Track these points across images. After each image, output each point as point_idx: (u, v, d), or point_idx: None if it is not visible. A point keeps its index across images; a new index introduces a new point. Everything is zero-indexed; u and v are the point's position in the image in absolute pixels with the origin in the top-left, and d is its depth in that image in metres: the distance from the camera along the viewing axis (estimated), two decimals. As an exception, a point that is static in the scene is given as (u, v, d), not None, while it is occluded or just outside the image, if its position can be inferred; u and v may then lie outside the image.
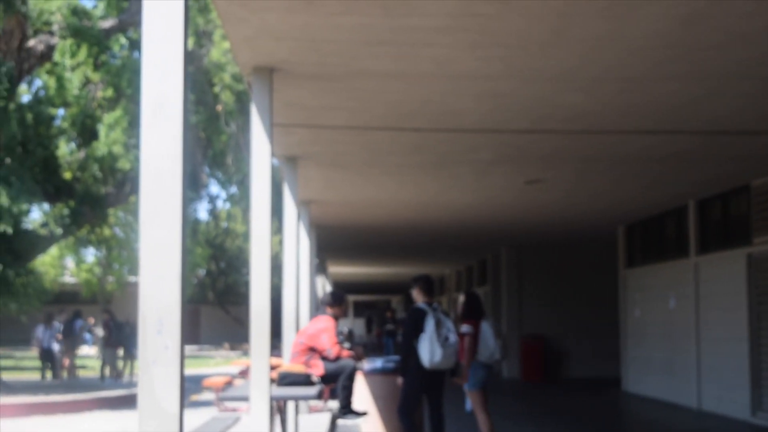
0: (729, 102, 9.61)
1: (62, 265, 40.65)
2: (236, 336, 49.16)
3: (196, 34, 21.04)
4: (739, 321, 15.05)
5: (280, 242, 28.25)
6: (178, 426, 3.87)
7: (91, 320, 27.49)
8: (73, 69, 19.03)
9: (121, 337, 24.83)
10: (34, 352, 28.30)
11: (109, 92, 19.16)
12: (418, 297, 10.19)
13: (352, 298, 66.90)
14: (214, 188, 59.08)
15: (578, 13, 6.82)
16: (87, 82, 19.47)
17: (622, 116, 10.23)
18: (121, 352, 25.50)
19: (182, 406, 3.92)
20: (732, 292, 15.36)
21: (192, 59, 21.84)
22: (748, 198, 14.92)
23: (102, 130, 18.88)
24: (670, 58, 7.97)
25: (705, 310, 16.58)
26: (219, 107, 22.00)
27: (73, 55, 18.66)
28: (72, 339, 24.97)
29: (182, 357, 3.92)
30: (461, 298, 10.82)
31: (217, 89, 21.63)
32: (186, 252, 3.95)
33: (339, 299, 10.59)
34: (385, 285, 53.01)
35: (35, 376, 25.45)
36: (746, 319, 14.84)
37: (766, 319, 14.42)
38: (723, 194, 15.90)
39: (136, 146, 18.45)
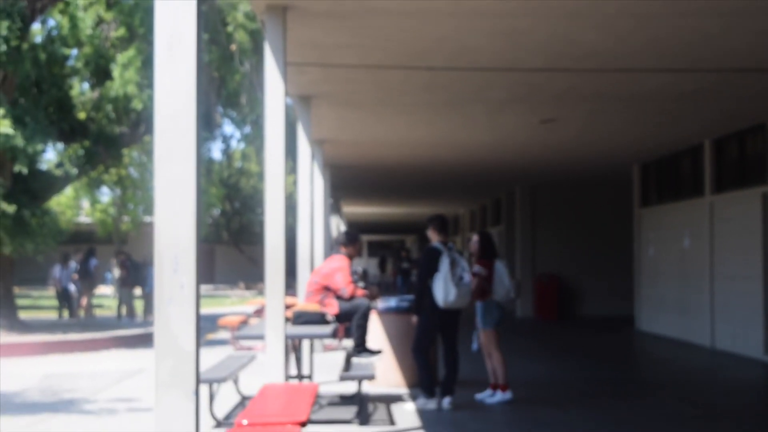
0: (745, 39, 9.50)
1: (77, 205, 40.81)
2: (251, 275, 49.44)
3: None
4: (754, 260, 15.04)
5: (294, 182, 28.27)
6: (195, 363, 3.91)
7: (113, 260, 27.51)
8: (86, 9, 18.93)
9: (138, 277, 25.01)
10: (51, 291, 28.54)
11: (122, 31, 19.06)
12: (433, 236, 10.20)
13: (366, 238, 67.10)
14: (228, 128, 59.03)
15: (595, -52, 6.73)
16: (100, 21, 19.37)
17: (637, 54, 10.14)
18: (138, 291, 25.69)
19: (198, 344, 3.96)
20: (747, 231, 15.34)
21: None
22: (764, 137, 14.82)
23: (116, 70, 18.83)
24: (689, -6, 7.88)
25: (719, 248, 16.57)
26: (233, 47, 21.88)
27: (86, -7, 18.56)
28: (88, 278, 25.15)
29: (198, 295, 3.95)
30: (474, 237, 10.83)
31: (230, 28, 21.50)
32: (201, 190, 3.96)
33: (353, 239, 10.62)
34: (399, 225, 53.11)
35: (52, 315, 25.71)
36: (761, 258, 14.83)
37: (780, 258, 14.41)
38: (739, 133, 15.79)
39: (150, 86, 18.41)
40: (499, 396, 10.47)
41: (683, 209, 18.41)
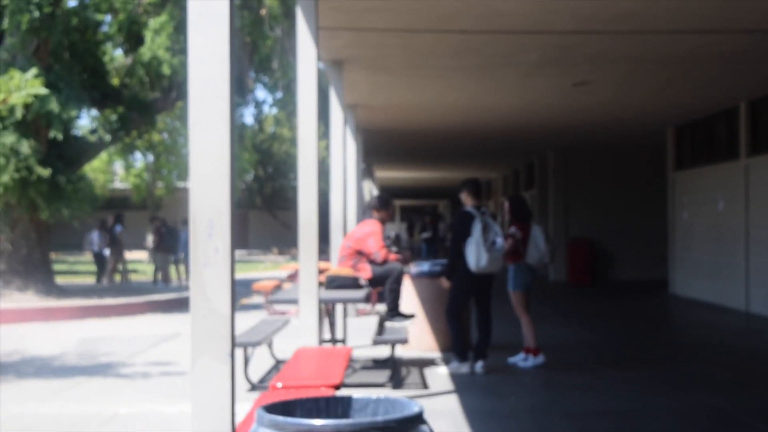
0: (784, -1, 9.37)
1: (111, 170, 41.12)
2: (284, 241, 49.68)
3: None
4: (790, 223, 14.92)
5: (327, 147, 28.28)
6: (230, 327, 3.95)
7: (156, 222, 27.55)
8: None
9: (172, 242, 25.19)
10: (87, 256, 28.82)
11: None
12: (467, 201, 10.19)
13: (399, 202, 67.09)
14: (260, 93, 59.12)
15: None
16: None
17: (670, 15, 10.03)
18: (172, 257, 25.89)
19: (233, 308, 4.00)
20: (782, 194, 15.20)
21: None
22: (801, 98, 14.65)
23: (147, 35, 18.87)
24: (724, -46, 7.77)
25: (754, 212, 16.44)
26: (263, 11, 21.85)
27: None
28: (115, 244, 25.39)
29: (233, 259, 3.98)
30: (506, 203, 10.81)
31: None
32: (234, 154, 3.98)
33: (385, 203, 10.64)
34: (432, 190, 53.05)
35: (88, 280, 26.00)
36: (796, 222, 14.71)
37: (816, 221, 14.28)
38: (775, 95, 15.62)
39: (182, 51, 18.44)
40: (531, 360, 10.49)
41: (718, 172, 18.26)
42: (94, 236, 25.17)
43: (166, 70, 18.67)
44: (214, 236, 3.91)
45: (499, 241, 9.78)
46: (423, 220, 31.84)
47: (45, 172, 16.61)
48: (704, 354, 11.82)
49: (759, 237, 16.27)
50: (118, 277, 25.48)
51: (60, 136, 16.95)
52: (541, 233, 10.43)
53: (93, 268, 26.24)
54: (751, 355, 11.90)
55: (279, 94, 26.54)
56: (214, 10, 4.00)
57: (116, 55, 21.87)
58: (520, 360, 10.58)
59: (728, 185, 17.60)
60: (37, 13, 16.02)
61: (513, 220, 10.53)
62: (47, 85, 16.15)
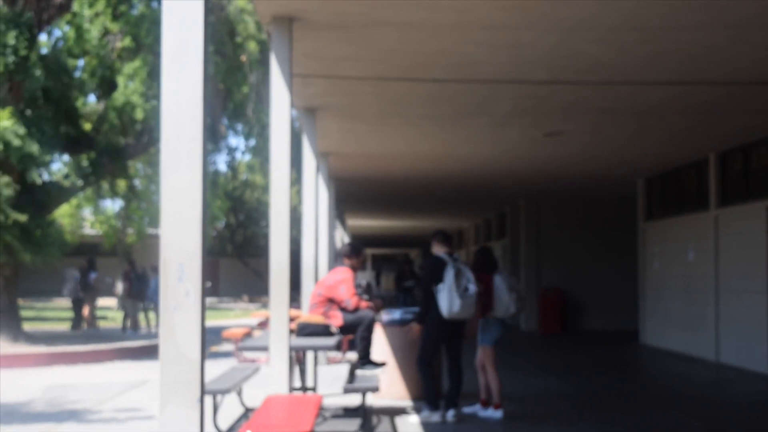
0: (751, 52, 9.51)
1: (80, 216, 40.90)
2: (255, 288, 49.47)
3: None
4: (759, 274, 15.00)
5: (299, 194, 28.22)
6: (199, 372, 3.91)
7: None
8: (92, 20, 18.98)
9: (141, 287, 25.00)
10: (56, 302, 28.56)
11: (128, 41, 19.11)
12: (437, 250, 10.18)
13: (370, 251, 67.03)
14: (234, 140, 59.34)
15: (599, -40, 6.74)
16: (106, 32, 19.43)
17: (641, 67, 10.15)
18: (141, 304, 25.70)
19: (203, 353, 3.96)
20: (752, 245, 15.31)
21: (212, 10, 21.74)
22: (769, 150, 14.82)
23: (121, 80, 18.87)
24: (691, 6, 7.88)
25: (724, 262, 16.54)
26: (243, 57, 21.92)
27: (91, 5, 18.60)
28: (89, 290, 25.17)
29: (203, 303, 3.95)
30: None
31: (240, 39, 21.56)
32: (207, 198, 3.97)
33: (357, 250, 10.61)
34: (403, 238, 53.07)
35: (57, 327, 25.72)
36: (765, 272, 14.80)
37: (785, 272, 14.38)
38: (744, 146, 15.79)
39: (155, 97, 18.43)
40: (491, 412, 10.39)
41: (688, 223, 18.40)
42: (73, 281, 24.97)
43: (139, 115, 18.66)
44: (184, 280, 3.88)
45: (472, 287, 9.75)
46: (402, 268, 31.45)
47: (21, 217, 16.49)
48: (675, 404, 11.81)
49: (729, 287, 16.36)
50: (85, 325, 25.22)
51: (38, 180, 16.88)
52: (504, 282, 10.31)
53: (62, 314, 25.97)
54: (722, 405, 11.90)
55: (253, 141, 26.58)
56: (188, 54, 4.01)
57: (89, 101, 21.83)
58: (478, 410, 10.47)
59: (698, 236, 17.73)
60: (12, 57, 16.01)
61: (475, 271, 10.33)
62: (24, 127, 16.12)
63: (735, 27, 8.55)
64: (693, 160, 17.86)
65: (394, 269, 47.18)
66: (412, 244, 58.99)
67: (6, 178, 16.44)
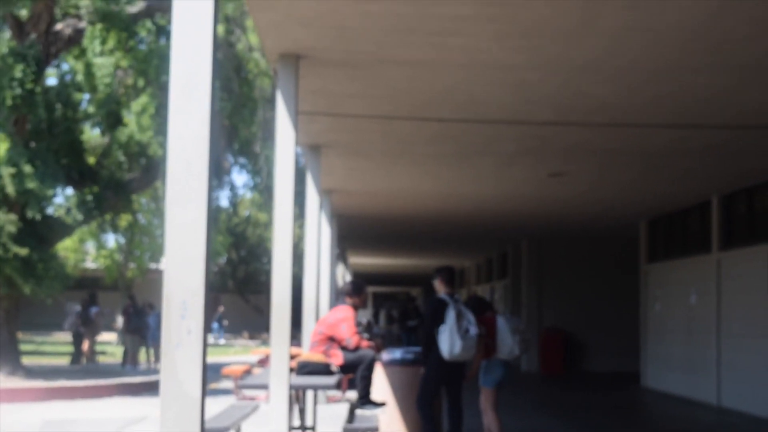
0: (757, 95, 9.52)
1: (83, 250, 40.86)
2: (256, 325, 49.28)
3: (226, 21, 21.05)
4: (762, 317, 14.94)
5: (301, 229, 28.25)
6: (200, 410, 3.87)
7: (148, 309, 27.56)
8: (103, 55, 19.04)
9: (139, 322, 24.91)
10: (55, 337, 28.48)
11: (139, 80, 19.18)
12: (440, 288, 10.14)
13: (371, 289, 66.89)
14: (241, 177, 59.92)
15: (605, 2, 6.77)
16: (116, 68, 19.51)
17: (647, 109, 10.16)
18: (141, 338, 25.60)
19: (204, 390, 3.92)
20: (755, 288, 15.26)
21: (219, 46, 21.86)
22: (773, 194, 14.80)
23: (132, 117, 18.88)
24: (698, 49, 7.90)
25: (727, 306, 16.48)
26: (257, 94, 21.96)
27: (104, 41, 18.66)
28: (90, 325, 25.08)
29: (205, 341, 3.92)
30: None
31: (251, 75, 21.63)
32: (211, 235, 3.95)
33: (358, 289, 10.57)
34: (405, 276, 52.97)
35: (56, 361, 25.60)
36: (769, 316, 14.75)
37: (789, 317, 14.32)
38: (747, 189, 15.78)
39: (161, 132, 18.47)
40: None
41: (690, 266, 18.34)
42: (74, 315, 24.91)
43: (155, 151, 18.63)
44: (187, 318, 3.85)
45: (473, 329, 9.69)
46: (406, 306, 31.21)
47: (22, 250, 16.47)
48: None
49: (730, 330, 16.28)
50: (84, 360, 25.11)
51: (38, 216, 16.86)
52: (507, 324, 10.24)
53: (62, 348, 25.87)
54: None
55: (258, 178, 26.61)
56: (197, 91, 4.01)
57: (93, 134, 21.87)
58: None
59: (701, 278, 17.67)
60: (18, 90, 16.06)
61: (477, 314, 10.25)
62: (26, 162, 16.13)
63: (740, 70, 8.57)
64: (696, 202, 17.85)
65: (396, 307, 47.07)
66: (413, 283, 58.87)
67: (9, 216, 16.43)
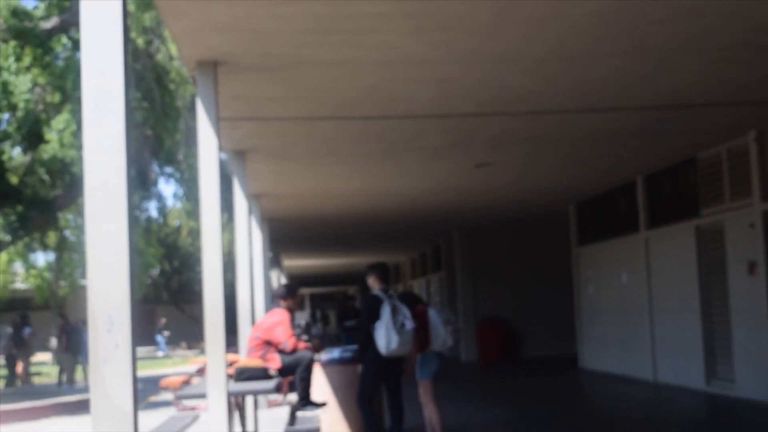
0: (673, 77, 9.69)
1: (11, 271, 40.15)
2: (193, 335, 48.86)
3: (144, 32, 20.84)
4: (691, 292, 15.23)
5: (232, 236, 28.12)
6: (133, 424, 3.83)
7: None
8: (18, 73, 18.71)
9: (76, 341, 24.55)
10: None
11: (57, 98, 18.87)
12: (374, 284, 10.17)
13: (308, 290, 66.69)
14: (170, 187, 59.20)
15: (519, -7, 6.82)
16: (34, 85, 19.18)
17: (568, 95, 10.28)
18: (78, 357, 25.24)
19: (136, 404, 3.88)
20: (682, 265, 15.55)
21: (139, 57, 21.61)
22: (694, 171, 15.09)
23: (54, 134, 18.58)
24: (613, 34, 8.01)
25: (657, 283, 16.77)
26: (179, 103, 21.77)
27: (18, 58, 18.33)
28: (23, 346, 24.65)
29: (134, 355, 3.87)
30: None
31: (173, 85, 21.43)
32: (134, 248, 3.91)
33: (292, 291, 10.55)
34: (341, 276, 52.95)
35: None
36: (697, 290, 15.03)
37: (716, 290, 14.61)
38: (670, 168, 16.07)
39: (82, 147, 18.22)
40: None
41: (620, 246, 18.63)
42: (6, 338, 24.47)
43: (78, 167, 18.36)
44: (114, 332, 3.81)
45: (408, 324, 9.73)
46: (344, 306, 31.07)
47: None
48: (616, 426, 11.88)
49: (661, 307, 16.58)
50: (18, 382, 24.67)
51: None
52: (438, 316, 10.29)
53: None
54: (661, 424, 12.01)
55: (185, 187, 26.39)
56: (110, 101, 3.96)
57: (15, 154, 21.49)
58: None
59: (630, 258, 17.96)
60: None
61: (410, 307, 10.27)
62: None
63: (655, 53, 8.71)
64: (622, 183, 18.13)
65: (333, 307, 46.96)
66: (350, 282, 58.87)
67: None
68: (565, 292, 23.00)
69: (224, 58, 8.13)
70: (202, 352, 40.11)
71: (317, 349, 10.97)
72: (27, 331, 24.93)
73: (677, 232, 15.79)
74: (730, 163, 13.87)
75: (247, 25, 7.30)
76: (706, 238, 14.92)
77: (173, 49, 20.67)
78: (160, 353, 43.19)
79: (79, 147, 18.46)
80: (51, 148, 18.45)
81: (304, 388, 9.99)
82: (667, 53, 8.75)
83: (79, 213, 29.48)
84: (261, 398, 14.84)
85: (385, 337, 9.59)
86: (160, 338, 44.16)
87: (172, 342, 50.98)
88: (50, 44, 19.04)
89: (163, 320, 45.29)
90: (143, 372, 27.66)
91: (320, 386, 11.42)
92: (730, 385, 14.13)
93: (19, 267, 40.49)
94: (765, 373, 12.91)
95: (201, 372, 18.19)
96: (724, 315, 14.30)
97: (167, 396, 18.73)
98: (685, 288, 15.44)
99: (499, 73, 9.19)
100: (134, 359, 3.87)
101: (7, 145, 20.35)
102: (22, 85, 18.24)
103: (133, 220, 4.01)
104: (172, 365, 32.34)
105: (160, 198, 29.94)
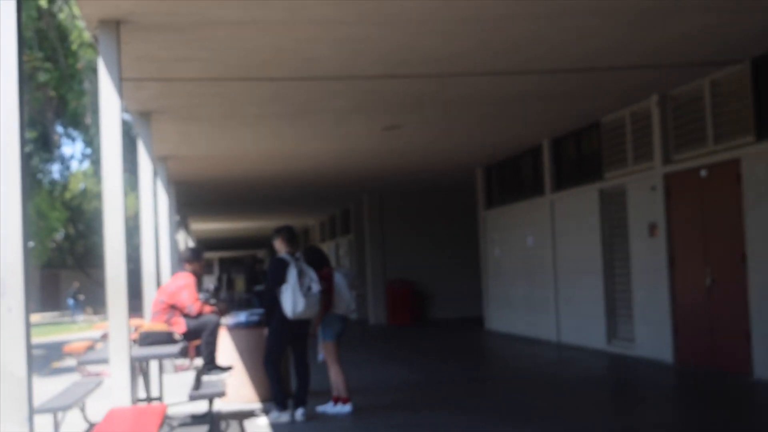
0: (579, 41, 9.80)
1: None
2: (99, 299, 48.12)
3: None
4: (594, 254, 15.53)
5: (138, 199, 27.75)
6: (27, 389, 3.75)
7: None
8: None
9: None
10: None
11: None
12: (280, 248, 10.12)
13: (217, 254, 66.24)
14: (69, 149, 57.77)
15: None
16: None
17: (473, 58, 10.32)
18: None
19: (30, 369, 3.80)
20: (586, 227, 15.83)
21: (42, 16, 21.04)
22: (598, 135, 15.33)
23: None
24: (521, -2, 8.06)
25: (561, 245, 17.06)
26: (80, 65, 21.28)
27: None
28: None
29: (27, 318, 3.79)
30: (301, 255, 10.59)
31: (75, 46, 20.93)
32: (27, 209, 3.81)
33: (197, 254, 10.47)
34: (250, 240, 52.69)
35: None
36: (600, 253, 15.33)
37: (618, 251, 14.93)
38: (575, 132, 16.30)
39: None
40: (339, 407, 10.35)
41: (525, 209, 18.89)
42: None
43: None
44: (6, 295, 3.72)
45: (315, 286, 9.73)
46: (253, 269, 30.86)
47: None
48: (520, 386, 12.11)
49: (565, 269, 16.88)
50: None
51: None
52: (344, 279, 10.30)
53: None
54: (563, 383, 12.26)
55: (91, 150, 25.89)
56: (2, 62, 3.84)
57: None
58: (329, 407, 10.42)
59: (536, 221, 18.22)
60: None
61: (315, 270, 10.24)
62: None
63: (564, 17, 8.78)
64: (528, 147, 18.34)
65: (242, 271, 46.65)
66: (260, 245, 58.64)
67: None
68: (473, 255, 23.27)
69: (127, 17, 7.95)
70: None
71: (223, 313, 10.90)
72: None
73: (581, 195, 16.06)
74: (633, 127, 14.13)
75: (149, -17, 7.14)
76: (609, 201, 15.21)
77: (76, 10, 20.17)
78: (77, 317, 42.49)
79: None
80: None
81: (209, 353, 9.94)
82: (573, 17, 8.84)
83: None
84: (167, 363, 14.71)
85: (292, 300, 9.58)
86: (71, 302, 43.39)
87: (78, 307, 50.24)
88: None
89: (76, 284, 44.47)
90: (47, 338, 27.18)
91: (226, 350, 11.37)
92: (629, 345, 14.49)
93: None
94: (662, 333, 13.26)
95: (106, 337, 17.93)
96: (626, 276, 14.63)
97: (71, 362, 18.45)
98: (589, 250, 15.74)
99: (404, 35, 9.17)
100: (28, 323, 3.78)
101: None
102: None
103: (29, 183, 3.91)
104: (77, 330, 31.84)
105: (63, 160, 29.23)
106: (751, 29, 9.81)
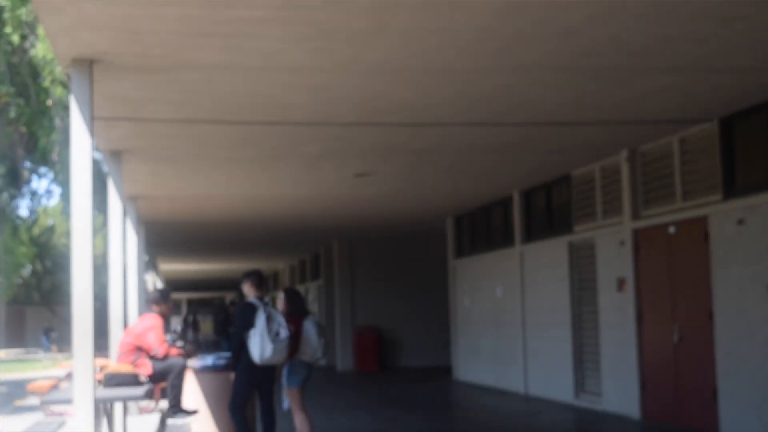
0: (550, 95, 9.90)
1: None
2: (65, 337, 47.69)
3: (20, 26, 20.27)
4: (562, 307, 15.57)
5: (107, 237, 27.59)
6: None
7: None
8: None
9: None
10: None
11: None
12: (249, 292, 10.10)
13: (185, 296, 65.78)
14: (41, 184, 57.28)
15: (396, 3, 6.85)
16: None
17: (444, 108, 10.39)
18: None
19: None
20: (555, 279, 15.88)
21: (15, 51, 21.00)
22: (569, 187, 15.45)
23: None
24: (492, 51, 8.13)
25: (530, 297, 17.09)
26: (49, 102, 21.24)
27: None
28: None
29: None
30: (281, 295, 10.60)
31: (47, 83, 20.90)
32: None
33: (165, 296, 10.42)
34: (219, 282, 52.42)
35: None
36: (568, 305, 15.37)
37: (586, 305, 14.98)
38: (545, 184, 16.41)
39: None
40: None
41: (495, 259, 18.93)
42: None
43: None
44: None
45: (283, 332, 9.68)
46: (227, 311, 30.59)
47: None
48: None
49: (534, 320, 16.90)
50: None
51: None
52: (314, 327, 10.25)
53: None
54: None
55: (60, 187, 25.75)
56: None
57: None
58: None
59: (505, 271, 18.26)
60: None
61: (290, 314, 10.22)
62: None
63: (532, 70, 8.87)
64: (499, 197, 18.43)
65: (210, 313, 46.28)
66: (228, 287, 58.32)
67: None
68: (442, 303, 23.27)
69: (100, 56, 7.95)
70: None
71: (190, 356, 10.82)
72: None
73: (551, 247, 16.13)
74: (603, 182, 14.25)
75: (125, 24, 7.16)
76: (578, 254, 15.28)
77: (44, 50, 20.07)
78: (48, 354, 42.10)
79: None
80: None
81: (175, 396, 9.85)
82: (544, 72, 8.94)
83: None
84: (132, 405, 14.56)
85: (260, 346, 9.53)
86: (45, 338, 42.97)
87: (43, 345, 49.69)
88: None
89: (50, 323, 44.22)
90: (11, 375, 26.83)
91: (192, 393, 11.26)
92: (597, 399, 14.49)
93: None
94: (629, 388, 13.28)
95: (70, 376, 17.71)
96: (594, 330, 14.67)
97: (34, 400, 18.20)
98: (557, 302, 15.78)
99: (377, 84, 9.23)
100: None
101: None
102: None
103: (-5, 220, 3.88)
104: (42, 368, 31.45)
105: (33, 196, 29.01)
106: (719, 89, 9.96)
